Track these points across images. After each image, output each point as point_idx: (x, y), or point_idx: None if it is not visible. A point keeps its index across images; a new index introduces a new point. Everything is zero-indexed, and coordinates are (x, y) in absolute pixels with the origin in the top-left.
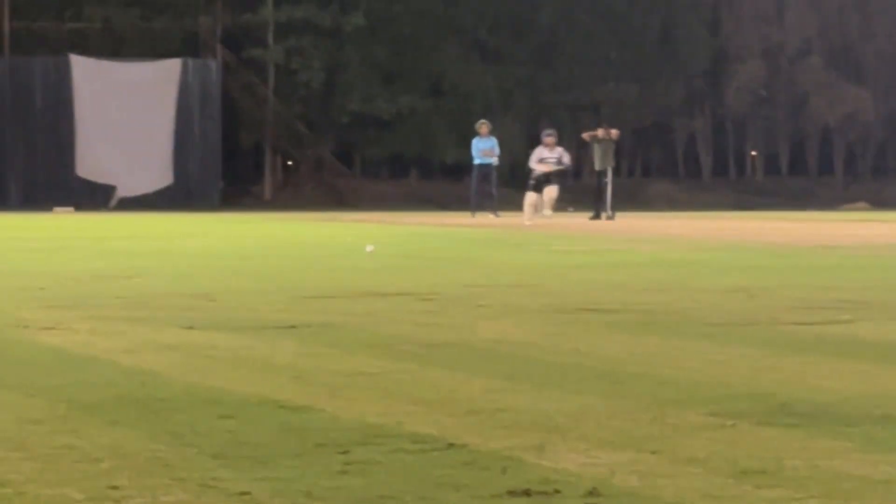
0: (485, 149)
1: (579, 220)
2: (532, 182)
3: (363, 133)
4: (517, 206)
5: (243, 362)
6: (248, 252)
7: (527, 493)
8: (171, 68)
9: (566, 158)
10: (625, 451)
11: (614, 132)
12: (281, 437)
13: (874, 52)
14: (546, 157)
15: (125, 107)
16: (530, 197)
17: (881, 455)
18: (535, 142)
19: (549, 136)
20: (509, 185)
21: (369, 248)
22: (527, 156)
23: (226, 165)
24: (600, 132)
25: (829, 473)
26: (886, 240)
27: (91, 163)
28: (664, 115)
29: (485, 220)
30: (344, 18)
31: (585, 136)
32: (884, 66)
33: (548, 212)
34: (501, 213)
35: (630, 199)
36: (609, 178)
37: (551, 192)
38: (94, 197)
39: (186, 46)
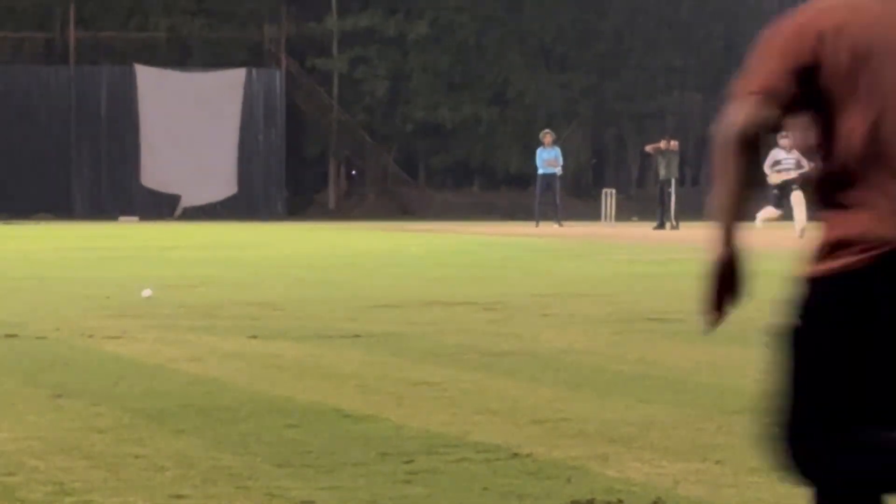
0: (549, 158)
1: (644, 230)
2: (775, 193)
3: (427, 142)
4: (581, 215)
5: (308, 371)
6: (312, 261)
7: (591, 502)
8: (235, 78)
9: (805, 161)
10: (690, 461)
11: (673, 143)
12: (346, 446)
13: None
14: (782, 159)
15: (189, 116)
16: (768, 212)
17: None
18: (600, 151)
19: (784, 138)
20: (573, 194)
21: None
22: (590, 164)
23: (290, 175)
24: (663, 143)
25: None
26: None
27: (156, 172)
28: None
29: (548, 229)
30: (408, 27)
31: (649, 148)
32: None
33: (800, 225)
34: (565, 223)
35: (694, 209)
36: (673, 188)
37: (799, 204)
38: (159, 206)
39: (251, 56)
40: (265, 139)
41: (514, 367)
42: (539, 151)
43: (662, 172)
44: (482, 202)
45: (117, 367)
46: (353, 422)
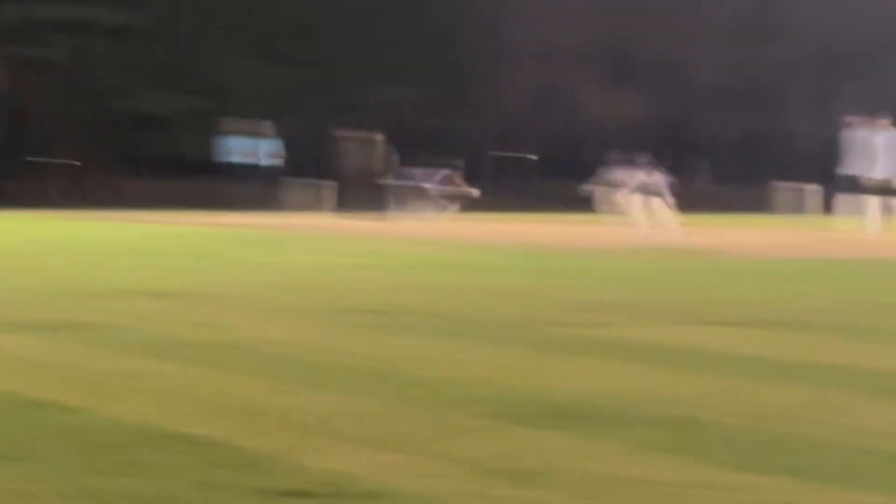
0: (269, 150)
1: (356, 223)
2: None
3: (143, 132)
4: (299, 206)
5: (15, 362)
6: (18, 250)
7: (307, 493)
8: None
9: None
10: (403, 453)
11: (377, 136)
12: (55, 437)
13: (647, 57)
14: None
15: None
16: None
17: (650, 456)
18: (321, 143)
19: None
20: (295, 185)
21: None
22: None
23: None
24: (375, 136)
25: (601, 474)
26: (655, 243)
27: None
28: (442, 119)
29: (266, 220)
30: (128, 18)
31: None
32: (658, 71)
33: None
34: (282, 214)
35: (409, 202)
36: (389, 182)
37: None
38: None
39: None
40: None
41: (223, 359)
42: (260, 143)
43: (374, 167)
44: (198, 193)
45: None
46: (62, 413)
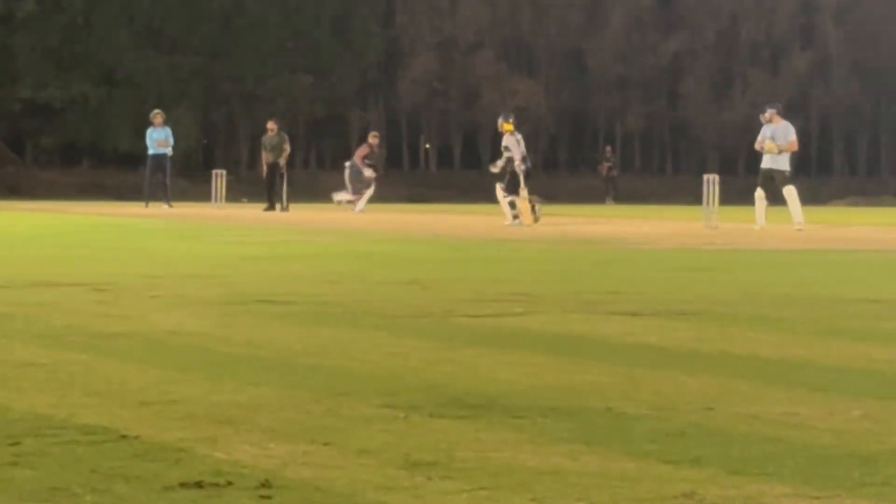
0: (159, 139)
1: (254, 212)
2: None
3: (35, 120)
4: (191, 196)
5: None
6: None
7: (199, 484)
8: None
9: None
10: (298, 443)
11: (271, 125)
12: None
13: (545, 46)
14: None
15: None
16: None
17: (550, 446)
18: (210, 132)
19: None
20: (183, 175)
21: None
22: (200, 144)
23: None
24: (270, 124)
25: (500, 464)
26: (555, 233)
27: None
28: (338, 107)
29: (158, 210)
30: (15, 4)
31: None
32: (555, 60)
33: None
34: (175, 204)
35: (305, 192)
36: (284, 171)
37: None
38: None
39: None
40: None
41: (122, 349)
42: (149, 132)
43: (270, 155)
44: (91, 182)
45: None
46: None
